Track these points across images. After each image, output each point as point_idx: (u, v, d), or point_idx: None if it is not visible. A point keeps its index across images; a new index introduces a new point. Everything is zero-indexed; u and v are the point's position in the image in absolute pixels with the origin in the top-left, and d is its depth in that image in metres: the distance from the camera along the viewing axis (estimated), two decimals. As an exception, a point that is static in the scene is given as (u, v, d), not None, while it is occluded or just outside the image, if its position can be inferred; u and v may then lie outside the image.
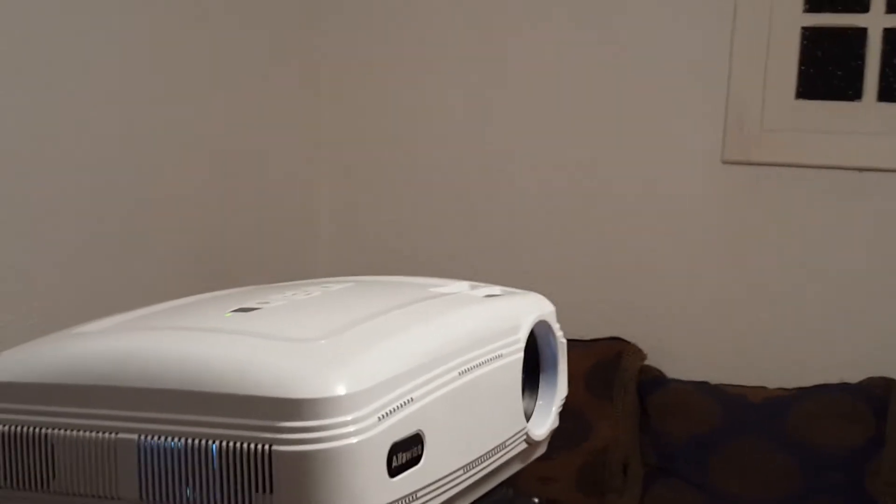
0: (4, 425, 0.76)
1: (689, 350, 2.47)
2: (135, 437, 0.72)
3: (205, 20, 2.27)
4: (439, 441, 0.77)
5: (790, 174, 2.40)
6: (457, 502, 0.83)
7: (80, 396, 0.74)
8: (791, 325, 2.42)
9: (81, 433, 0.74)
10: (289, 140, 2.63)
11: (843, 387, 2.28)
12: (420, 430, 0.75)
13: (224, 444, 0.70)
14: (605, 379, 2.35)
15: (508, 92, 2.59)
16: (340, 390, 0.69)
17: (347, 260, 2.74)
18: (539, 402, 0.98)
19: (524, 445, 0.93)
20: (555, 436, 1.00)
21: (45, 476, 0.75)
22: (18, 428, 0.76)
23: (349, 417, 0.69)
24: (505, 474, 0.94)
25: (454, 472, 0.81)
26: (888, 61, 2.38)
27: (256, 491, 0.69)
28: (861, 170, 2.36)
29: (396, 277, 1.07)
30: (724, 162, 2.44)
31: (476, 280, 1.07)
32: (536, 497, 0.99)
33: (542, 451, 0.99)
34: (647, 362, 2.43)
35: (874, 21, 2.37)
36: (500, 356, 0.88)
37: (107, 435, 0.73)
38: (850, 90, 2.41)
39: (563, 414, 1.00)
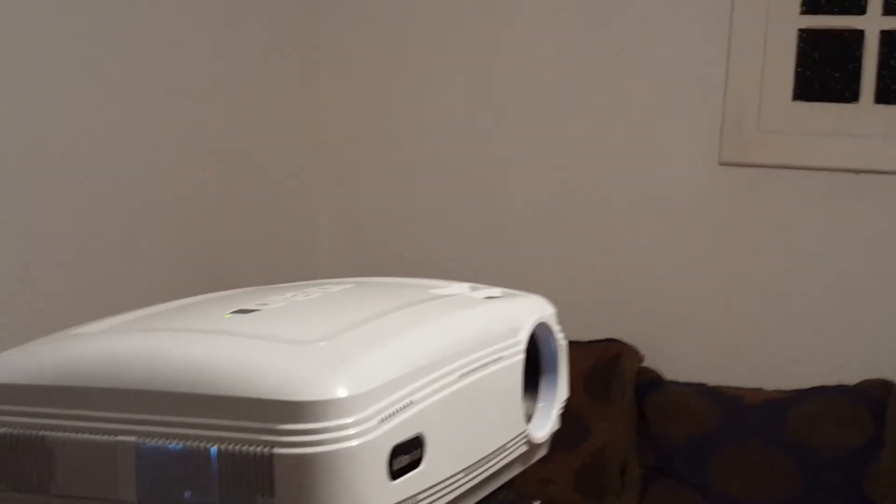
0: (3, 427, 0.76)
1: (687, 352, 2.47)
2: (134, 439, 0.72)
3: (204, 21, 2.27)
4: (440, 443, 0.77)
5: (787, 176, 2.40)
6: (457, 505, 0.83)
7: (79, 398, 0.74)
8: (789, 326, 2.42)
9: (80, 435, 0.73)
10: (288, 141, 2.63)
11: (842, 389, 2.28)
12: (421, 433, 0.75)
13: (224, 446, 0.69)
14: (603, 380, 2.35)
15: (508, 93, 2.59)
16: (341, 393, 0.69)
17: (347, 261, 2.74)
18: (540, 405, 0.97)
19: (525, 448, 0.93)
20: (553, 437, 1.00)
21: (43, 478, 0.75)
22: (17, 430, 0.75)
23: (350, 420, 0.69)
24: (505, 477, 0.93)
25: (455, 474, 0.80)
26: (885, 63, 2.38)
27: (257, 494, 0.69)
28: (858, 171, 2.36)
29: (396, 279, 1.07)
30: (722, 163, 2.44)
31: (473, 281, 1.07)
32: (536, 499, 0.98)
33: (542, 453, 0.99)
34: (645, 364, 2.43)
35: (871, 23, 2.37)
36: (501, 358, 0.87)
37: (106, 437, 0.73)
38: (847, 92, 2.41)
39: (561, 416, 1.00)
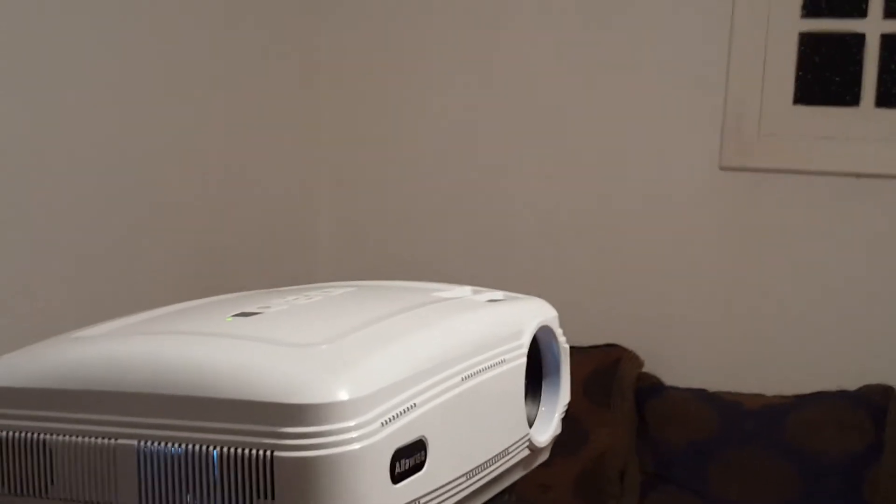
0: (2, 430, 0.75)
1: (686, 357, 2.47)
2: (134, 442, 0.71)
3: (204, 21, 2.26)
4: (442, 447, 0.77)
5: (788, 180, 2.40)
6: (459, 509, 0.83)
7: (79, 401, 0.73)
8: (789, 332, 2.41)
9: (80, 439, 0.73)
10: (288, 142, 2.62)
11: (842, 394, 2.28)
12: (423, 436, 0.74)
13: (225, 450, 0.69)
14: (602, 386, 2.35)
15: (508, 94, 2.59)
16: (343, 396, 0.68)
17: (348, 264, 2.73)
18: (542, 409, 0.97)
19: (527, 452, 0.93)
20: (553, 442, 0.99)
21: (43, 482, 0.74)
22: (16, 433, 0.75)
23: (352, 423, 0.68)
24: (507, 481, 0.93)
25: (457, 478, 0.80)
26: (886, 67, 2.38)
27: (258, 497, 0.68)
28: (859, 175, 2.36)
29: (398, 282, 1.07)
30: (722, 168, 2.44)
31: (474, 285, 1.06)
32: (537, 504, 0.98)
33: (544, 457, 0.98)
34: (644, 369, 2.43)
35: (872, 26, 2.37)
36: (503, 361, 0.87)
37: (106, 440, 0.72)
38: (847, 95, 2.41)
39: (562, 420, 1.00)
